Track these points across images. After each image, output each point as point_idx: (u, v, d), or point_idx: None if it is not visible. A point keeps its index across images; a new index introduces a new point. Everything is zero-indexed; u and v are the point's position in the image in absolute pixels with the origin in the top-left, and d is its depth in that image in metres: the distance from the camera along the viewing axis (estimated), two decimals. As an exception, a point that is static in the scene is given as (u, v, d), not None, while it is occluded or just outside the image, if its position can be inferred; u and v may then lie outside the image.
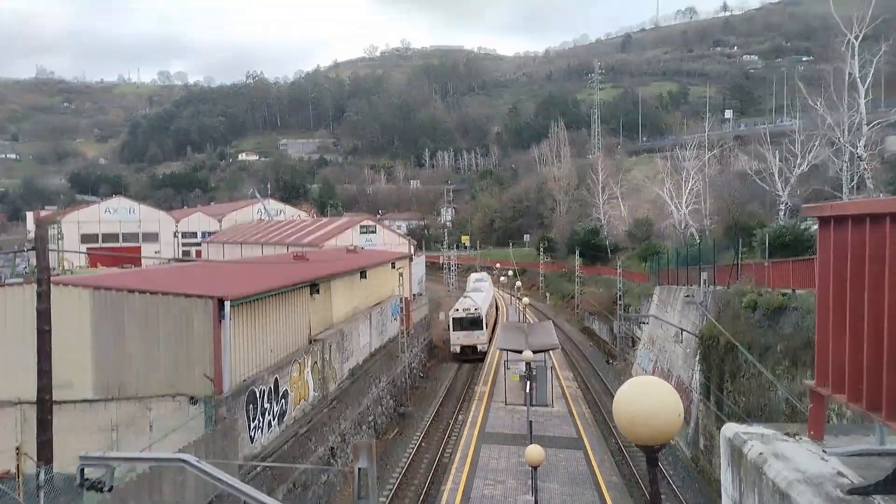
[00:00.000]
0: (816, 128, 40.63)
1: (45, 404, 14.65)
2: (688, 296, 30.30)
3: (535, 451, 16.62)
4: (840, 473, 2.80)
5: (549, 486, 21.66)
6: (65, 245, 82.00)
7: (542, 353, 32.17)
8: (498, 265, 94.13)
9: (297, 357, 23.61)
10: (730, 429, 3.76)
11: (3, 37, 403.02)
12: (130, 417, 18.68)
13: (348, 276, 33.20)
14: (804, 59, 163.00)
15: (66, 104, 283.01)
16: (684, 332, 29.93)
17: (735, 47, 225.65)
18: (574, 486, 22.13)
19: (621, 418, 4.60)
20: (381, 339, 36.59)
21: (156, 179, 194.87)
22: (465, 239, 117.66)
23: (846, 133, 36.71)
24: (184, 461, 11.18)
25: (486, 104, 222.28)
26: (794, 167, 43.53)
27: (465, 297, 53.27)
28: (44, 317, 14.46)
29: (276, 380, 21.34)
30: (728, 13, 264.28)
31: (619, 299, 47.23)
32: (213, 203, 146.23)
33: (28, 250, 21.74)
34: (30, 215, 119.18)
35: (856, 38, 35.43)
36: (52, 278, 17.67)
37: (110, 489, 11.27)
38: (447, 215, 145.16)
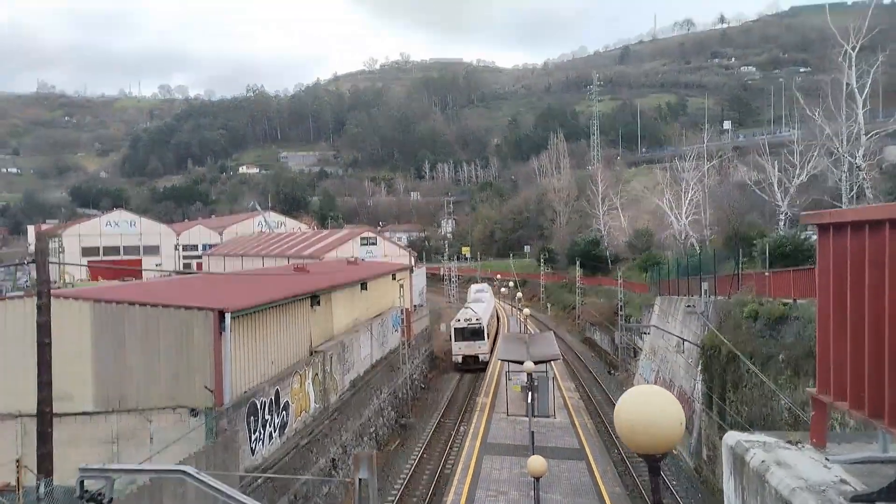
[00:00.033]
0: (815, 138, 40.75)
1: (45, 417, 14.61)
2: (689, 306, 30.26)
3: (537, 462, 16.54)
4: (843, 481, 2.79)
5: (551, 496, 21.54)
6: (66, 258, 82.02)
7: (544, 364, 32.09)
8: (498, 276, 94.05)
9: (298, 369, 23.56)
10: (732, 437, 3.75)
11: (5, 51, 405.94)
12: (131, 430, 18.63)
13: (349, 287, 33.18)
14: (802, 70, 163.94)
15: (67, 118, 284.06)
16: (686, 343, 29.88)
17: (733, 59, 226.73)
18: (577, 496, 22.01)
19: (623, 427, 4.59)
20: (382, 351, 36.52)
21: (157, 193, 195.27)
22: (466, 250, 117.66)
23: (845, 143, 36.80)
24: (184, 473, 11.15)
25: (486, 116, 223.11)
26: (794, 177, 43.64)
27: (466, 307, 53.49)
28: (44, 329, 14.45)
29: (277, 391, 21.28)
30: (725, 25, 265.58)
31: (620, 310, 47.16)
32: (213, 216, 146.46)
33: (28, 263, 21.75)
34: (31, 229, 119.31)
35: (853, 48, 35.61)
36: (52, 291, 17.69)
37: (110, 501, 11.23)
38: (447, 227, 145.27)
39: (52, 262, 20.06)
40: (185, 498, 15.49)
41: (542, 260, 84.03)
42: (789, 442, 3.46)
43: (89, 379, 19.04)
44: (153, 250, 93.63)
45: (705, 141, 67.50)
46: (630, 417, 4.52)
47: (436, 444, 31.72)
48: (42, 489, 13.65)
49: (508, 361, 33.20)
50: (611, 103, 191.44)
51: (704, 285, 28.54)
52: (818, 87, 41.89)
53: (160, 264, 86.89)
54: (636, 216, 78.52)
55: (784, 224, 43.12)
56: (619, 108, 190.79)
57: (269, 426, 20.41)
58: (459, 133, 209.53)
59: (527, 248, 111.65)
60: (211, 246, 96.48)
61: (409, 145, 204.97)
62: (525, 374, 27.32)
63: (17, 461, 16.75)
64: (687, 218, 54.57)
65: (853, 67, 35.90)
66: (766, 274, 27.90)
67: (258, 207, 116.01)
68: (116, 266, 74.89)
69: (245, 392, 19.65)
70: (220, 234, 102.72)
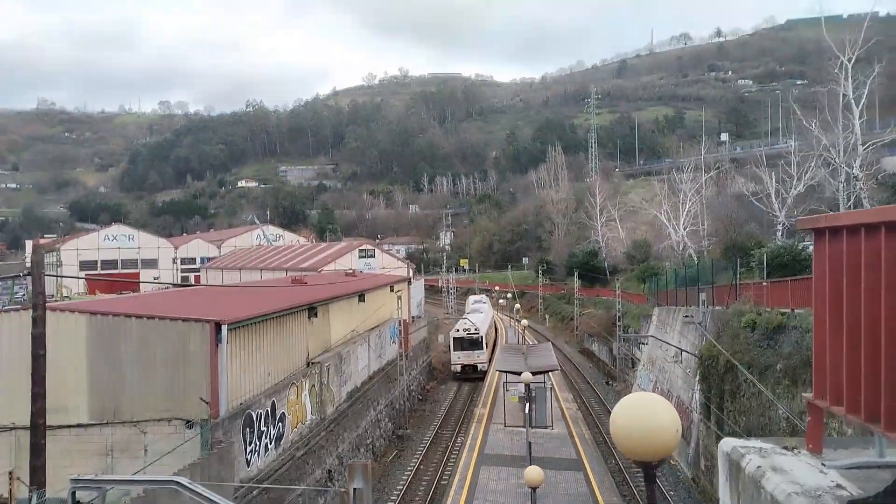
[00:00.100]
0: (812, 149, 40.92)
1: (38, 429, 14.56)
2: (687, 316, 30.23)
3: (534, 472, 16.45)
4: (839, 486, 2.77)
5: (549, 508, 21.42)
6: (64, 272, 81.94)
7: (542, 375, 31.98)
8: (497, 288, 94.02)
9: (294, 380, 23.50)
10: (728, 443, 3.72)
11: (5, 68, 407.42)
12: (126, 441, 18.55)
13: (346, 299, 33.20)
14: (798, 82, 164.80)
15: (66, 134, 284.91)
16: (684, 353, 29.82)
17: (729, 72, 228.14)
18: (574, 507, 21.90)
19: (619, 435, 4.57)
20: (379, 362, 36.44)
21: (155, 207, 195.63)
22: (464, 262, 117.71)
23: (842, 153, 36.94)
24: (177, 484, 11.05)
25: (484, 130, 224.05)
26: (791, 188, 43.75)
27: (465, 318, 53.84)
28: (38, 341, 14.44)
29: (274, 403, 21.20)
30: (722, 39, 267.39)
31: (619, 320, 47.13)
32: (212, 230, 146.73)
33: (24, 276, 21.76)
34: (29, 243, 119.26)
35: (849, 60, 35.86)
36: (48, 304, 17.68)
37: (102, 512, 11.06)
38: (446, 239, 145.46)
39: (48, 275, 20.06)
40: (179, 510, 15.39)
41: (540, 271, 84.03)
42: (785, 448, 3.43)
43: (84, 391, 19.01)
44: (151, 264, 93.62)
45: (703, 153, 67.67)
46: (626, 424, 4.50)
47: (433, 455, 31.61)
48: (34, 501, 13.54)
49: (506, 372, 33.09)
50: (609, 116, 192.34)
51: (702, 296, 28.55)
52: (815, 99, 42.15)
53: (158, 278, 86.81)
54: (634, 228, 78.62)
55: (782, 234, 43.18)
56: (616, 120, 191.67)
57: (265, 437, 20.33)
58: (458, 146, 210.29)
59: (525, 260, 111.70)
60: (209, 259, 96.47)
61: (408, 159, 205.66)
62: (523, 384, 27.22)
63: (10, 473, 16.63)
64: (685, 229, 54.65)
65: (849, 79, 36.11)
66: (764, 284, 27.91)
67: (257, 221, 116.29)
68: (114, 279, 74.81)
69: (241, 403, 19.59)
70: (219, 247, 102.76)
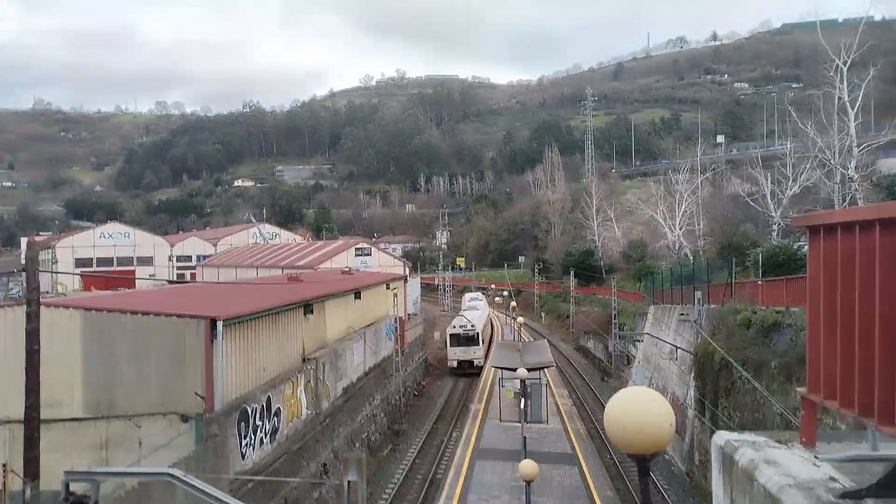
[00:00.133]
0: (807, 150, 41.09)
1: (32, 422, 14.59)
2: (682, 314, 30.34)
3: (528, 466, 16.49)
4: (832, 478, 2.79)
5: (543, 500, 21.49)
6: (59, 270, 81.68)
7: (537, 371, 32.04)
8: (493, 286, 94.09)
9: (290, 376, 23.55)
10: (721, 437, 3.75)
11: (2, 68, 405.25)
12: (120, 436, 18.53)
13: (342, 296, 33.24)
14: (794, 86, 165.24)
15: (62, 133, 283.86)
16: (679, 350, 29.93)
17: (725, 75, 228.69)
18: (568, 500, 22.01)
19: (613, 428, 4.58)
20: (375, 359, 36.50)
21: (151, 206, 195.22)
22: (460, 261, 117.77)
23: (837, 155, 37.11)
24: (171, 475, 11.05)
25: (481, 131, 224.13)
26: (786, 189, 43.94)
27: (461, 315, 54.13)
28: (32, 337, 14.49)
29: (269, 398, 21.23)
30: (718, 42, 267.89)
31: (614, 318, 47.28)
32: (208, 228, 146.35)
33: (19, 271, 21.72)
34: (24, 241, 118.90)
35: (844, 63, 36.04)
36: (44, 300, 17.65)
37: (95, 503, 11.09)
38: (442, 238, 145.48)
39: (43, 272, 20.02)
40: (172, 503, 15.37)
41: (536, 270, 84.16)
42: (778, 441, 3.45)
43: (79, 385, 19.00)
44: (147, 261, 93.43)
45: (699, 154, 67.92)
46: (620, 418, 4.51)
47: (428, 449, 31.71)
48: (28, 493, 13.53)
49: (502, 369, 33.15)
50: (605, 118, 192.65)
51: (698, 294, 28.66)
52: (810, 102, 42.25)
53: (154, 275, 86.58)
54: (630, 227, 78.84)
55: (777, 234, 43.36)
56: (613, 122, 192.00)
57: (260, 432, 20.35)
58: (454, 147, 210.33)
59: (521, 259, 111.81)
60: (205, 257, 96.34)
61: (405, 159, 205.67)
62: (518, 380, 27.27)
63: (4, 466, 16.60)
64: (681, 229, 54.82)
65: (845, 82, 36.30)
66: (759, 283, 28.05)
67: (253, 219, 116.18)
68: (110, 275, 74.63)
69: (236, 398, 19.60)
70: (215, 245, 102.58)
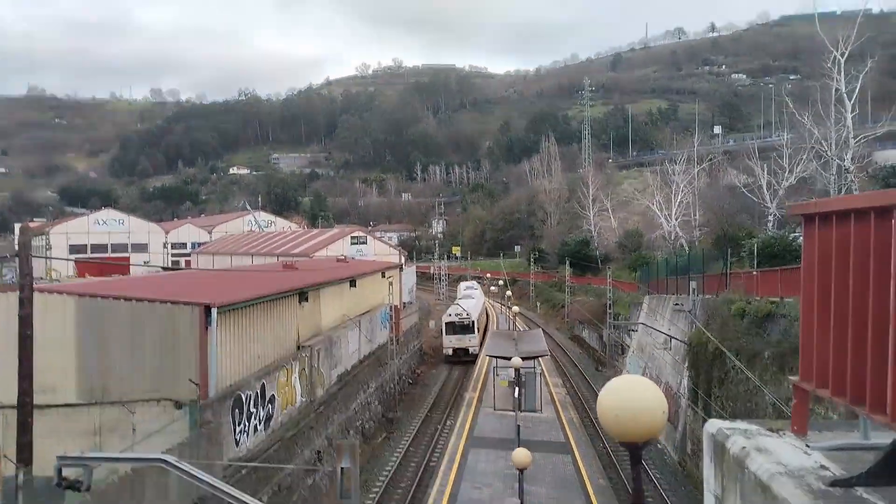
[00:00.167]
0: (804, 142, 41.10)
1: (25, 407, 14.61)
2: (677, 304, 30.43)
3: (521, 454, 16.56)
4: (823, 466, 2.79)
5: (536, 489, 21.62)
6: (54, 256, 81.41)
7: (532, 360, 32.15)
8: (488, 275, 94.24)
9: (284, 363, 23.57)
10: (713, 425, 3.74)
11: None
12: (114, 422, 18.54)
13: (337, 284, 33.26)
14: (791, 77, 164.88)
15: (57, 120, 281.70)
16: (673, 340, 30.03)
17: (723, 66, 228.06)
18: (561, 489, 22.15)
19: (605, 416, 4.57)
20: (370, 346, 36.56)
21: (146, 192, 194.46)
22: (456, 250, 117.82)
23: (833, 146, 37.15)
24: (163, 461, 11.03)
25: (478, 120, 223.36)
26: (783, 180, 43.98)
27: (457, 303, 54.36)
28: (26, 322, 14.47)
29: (263, 385, 21.25)
30: (716, 34, 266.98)
31: (609, 308, 47.41)
32: (203, 215, 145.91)
33: (12, 257, 21.63)
34: (18, 227, 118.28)
35: (842, 55, 36.01)
36: (38, 286, 17.57)
37: (88, 488, 11.09)
38: (438, 227, 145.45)
39: (36, 257, 19.90)
40: (166, 489, 15.40)
41: (532, 259, 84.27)
42: (770, 430, 3.44)
43: (72, 372, 18.97)
44: (141, 248, 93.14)
45: (696, 145, 67.84)
46: (613, 406, 4.51)
47: (422, 437, 31.84)
48: (20, 478, 13.52)
49: (497, 357, 33.23)
50: (602, 108, 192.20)
51: (693, 284, 28.72)
52: (808, 94, 42.26)
53: (148, 262, 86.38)
54: (626, 217, 78.93)
55: (773, 225, 43.45)
56: (610, 112, 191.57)
57: (255, 419, 20.38)
58: (451, 136, 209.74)
59: (517, 248, 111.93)
60: (200, 244, 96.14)
61: (401, 148, 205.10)
62: (513, 369, 27.35)
63: (-3, 451, 16.60)
64: (676, 219, 54.88)
65: (842, 73, 36.29)
66: (754, 273, 28.14)
67: (248, 207, 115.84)
68: (104, 261, 74.40)
69: (230, 385, 19.61)
70: (210, 232, 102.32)
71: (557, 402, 35.00)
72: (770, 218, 44.28)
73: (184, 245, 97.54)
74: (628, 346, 42.48)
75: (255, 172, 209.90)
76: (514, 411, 26.85)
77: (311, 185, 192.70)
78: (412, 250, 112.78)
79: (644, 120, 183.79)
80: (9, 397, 16.84)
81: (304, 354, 25.54)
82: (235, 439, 19.09)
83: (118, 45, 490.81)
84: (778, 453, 2.96)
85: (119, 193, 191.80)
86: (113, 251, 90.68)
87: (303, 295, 26.76)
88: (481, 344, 50.67)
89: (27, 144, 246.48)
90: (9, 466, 16.28)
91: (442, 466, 24.60)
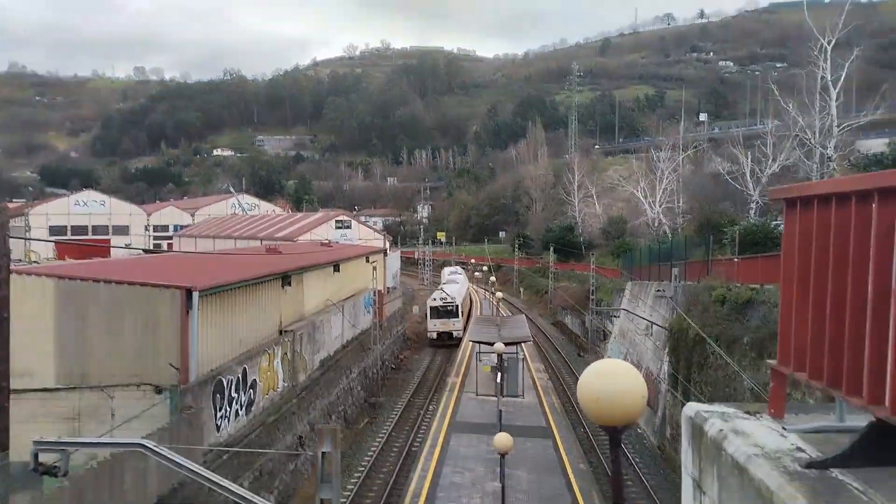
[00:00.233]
0: (789, 130, 41.38)
1: (2, 392, 14.37)
2: (659, 290, 30.63)
3: (503, 439, 16.67)
4: (799, 448, 2.79)
5: (517, 473, 21.81)
6: (33, 237, 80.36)
7: (514, 346, 32.30)
8: (473, 261, 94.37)
9: (266, 348, 23.45)
10: (691, 408, 3.73)
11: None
12: (93, 406, 18.38)
13: (321, 269, 33.10)
14: (778, 65, 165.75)
15: (37, 98, 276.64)
16: (654, 326, 30.27)
17: (711, 53, 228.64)
18: (542, 473, 22.34)
19: (586, 400, 4.59)
20: (353, 331, 36.53)
21: (128, 173, 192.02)
22: (441, 235, 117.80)
23: (817, 135, 37.43)
24: (142, 446, 10.93)
25: (465, 104, 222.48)
26: (766, 168, 44.30)
27: (441, 288, 54.72)
28: (3, 304, 14.19)
29: (245, 370, 21.15)
30: (705, 20, 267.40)
31: (592, 294, 47.70)
32: (186, 198, 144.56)
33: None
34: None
35: (828, 43, 36.15)
36: (15, 268, 17.27)
37: (65, 474, 10.95)
38: (424, 212, 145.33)
39: (15, 238, 19.56)
40: (146, 474, 15.32)
41: (516, 245, 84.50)
42: (748, 412, 3.44)
43: (51, 355, 18.74)
44: (123, 231, 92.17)
45: (681, 132, 68.14)
46: (593, 390, 4.53)
47: (405, 422, 31.96)
48: (-4, 463, 13.34)
49: (480, 343, 33.35)
50: (590, 94, 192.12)
51: (675, 271, 28.92)
52: (794, 82, 42.48)
53: (130, 245, 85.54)
54: (611, 204, 79.28)
55: (755, 212, 43.81)
56: (597, 98, 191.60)
57: (236, 404, 20.29)
58: (438, 120, 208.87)
59: (502, 234, 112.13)
60: (182, 227, 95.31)
61: (388, 131, 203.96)
62: (496, 355, 27.46)
63: (-27, 435, 16.37)
64: (660, 206, 55.18)
65: (828, 61, 36.47)
66: (736, 260, 28.39)
67: (232, 190, 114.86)
68: (84, 243, 73.54)
69: (212, 370, 19.50)
70: (192, 215, 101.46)
71: (539, 388, 35.24)
72: (752, 205, 44.64)
73: (166, 228, 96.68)
74: (610, 332, 42.81)
75: (239, 154, 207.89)
76: (496, 396, 27.00)
77: (296, 167, 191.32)
78: (397, 235, 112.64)
79: (631, 106, 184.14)
80: (-15, 381, 16.61)
81: (286, 339, 25.44)
82: (216, 424, 19.01)
83: (101, 21, 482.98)
84: (755, 436, 2.98)
85: (100, 174, 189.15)
86: (94, 233, 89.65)
87: (286, 279, 26.62)
88: (465, 328, 51.05)
89: (7, 122, 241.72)
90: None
91: (424, 451, 24.73)
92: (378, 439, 29.05)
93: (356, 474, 24.40)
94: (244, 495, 9.41)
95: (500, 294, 56.15)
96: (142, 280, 19.41)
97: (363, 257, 43.37)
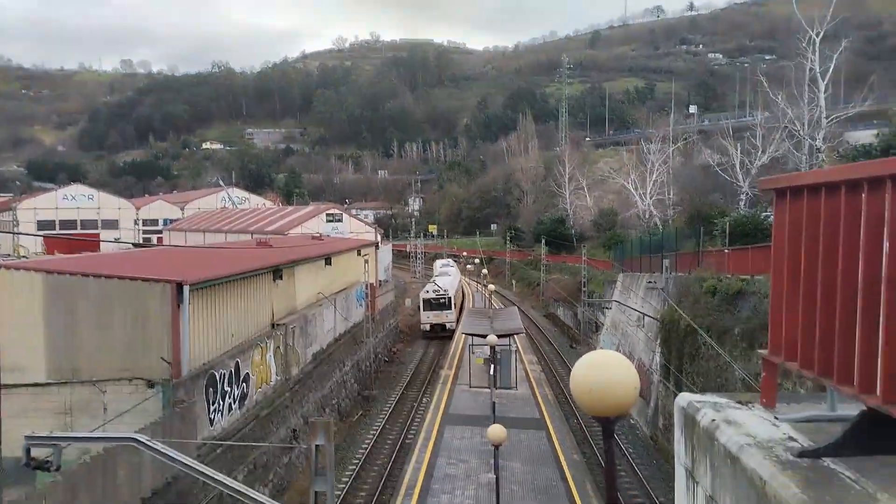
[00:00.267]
0: (778, 121, 41.54)
1: (-7, 386, 14.29)
2: (650, 282, 30.79)
3: (497, 430, 16.70)
4: (791, 438, 2.82)
5: (511, 464, 21.94)
6: (21, 231, 79.57)
7: (507, 338, 32.38)
8: (465, 254, 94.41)
9: (259, 341, 23.41)
10: (684, 398, 3.76)
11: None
12: (85, 401, 18.31)
13: (312, 262, 33.02)
14: (767, 57, 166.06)
15: (23, 91, 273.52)
16: (646, 317, 30.42)
17: (701, 45, 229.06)
18: (536, 464, 22.47)
19: (578, 390, 4.60)
20: (346, 325, 36.51)
21: (116, 167, 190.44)
22: (433, 228, 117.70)
23: (806, 126, 37.60)
24: (136, 441, 10.90)
25: (456, 97, 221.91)
26: (755, 159, 44.49)
27: (433, 280, 55.01)
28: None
29: (238, 364, 21.11)
30: (695, 13, 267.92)
31: (584, 286, 47.86)
32: (175, 191, 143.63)
33: (-22, 232, 21.07)
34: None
35: (817, 34, 36.27)
36: (4, 263, 17.16)
37: (58, 468, 10.92)
38: (415, 205, 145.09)
39: (3, 233, 19.37)
40: (139, 468, 15.30)
41: (508, 238, 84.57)
42: (740, 402, 3.47)
43: (41, 350, 18.63)
44: (112, 225, 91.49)
45: (671, 124, 68.28)
46: (586, 381, 4.54)
47: (398, 415, 32.04)
48: (-12, 458, 13.30)
49: (473, 335, 33.42)
50: (580, 86, 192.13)
51: (666, 262, 29.07)
52: (783, 74, 42.61)
53: (119, 239, 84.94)
54: (602, 196, 79.48)
55: (745, 204, 44.02)
56: (588, 91, 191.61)
57: (229, 397, 20.26)
58: (428, 113, 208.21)
59: (493, 227, 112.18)
60: (172, 221, 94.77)
61: (378, 124, 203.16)
62: (488, 347, 27.52)
63: (-36, 431, 16.28)
64: (651, 198, 55.35)
65: (817, 53, 36.59)
66: (726, 251, 28.55)
67: (221, 183, 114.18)
68: (73, 237, 72.97)
69: (204, 364, 19.45)
70: (182, 209, 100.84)
71: (532, 379, 35.38)
72: (742, 197, 44.85)
73: (155, 222, 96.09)
74: (602, 324, 42.99)
75: (228, 147, 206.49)
76: (489, 388, 27.08)
77: (286, 161, 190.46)
78: (388, 228, 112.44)
79: (621, 98, 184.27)
80: (-25, 377, 16.52)
81: (278, 333, 25.40)
82: (210, 418, 18.99)
83: (88, 13, 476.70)
84: (747, 425, 3.00)
85: (88, 168, 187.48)
86: (82, 228, 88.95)
87: (277, 273, 26.55)
88: (458, 320, 51.27)
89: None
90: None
91: (418, 443, 24.81)
92: (372, 432, 29.13)
93: (351, 467, 24.47)
94: (238, 489, 9.42)
95: (492, 286, 56.31)
96: (132, 274, 19.31)
97: (355, 250, 43.28)
